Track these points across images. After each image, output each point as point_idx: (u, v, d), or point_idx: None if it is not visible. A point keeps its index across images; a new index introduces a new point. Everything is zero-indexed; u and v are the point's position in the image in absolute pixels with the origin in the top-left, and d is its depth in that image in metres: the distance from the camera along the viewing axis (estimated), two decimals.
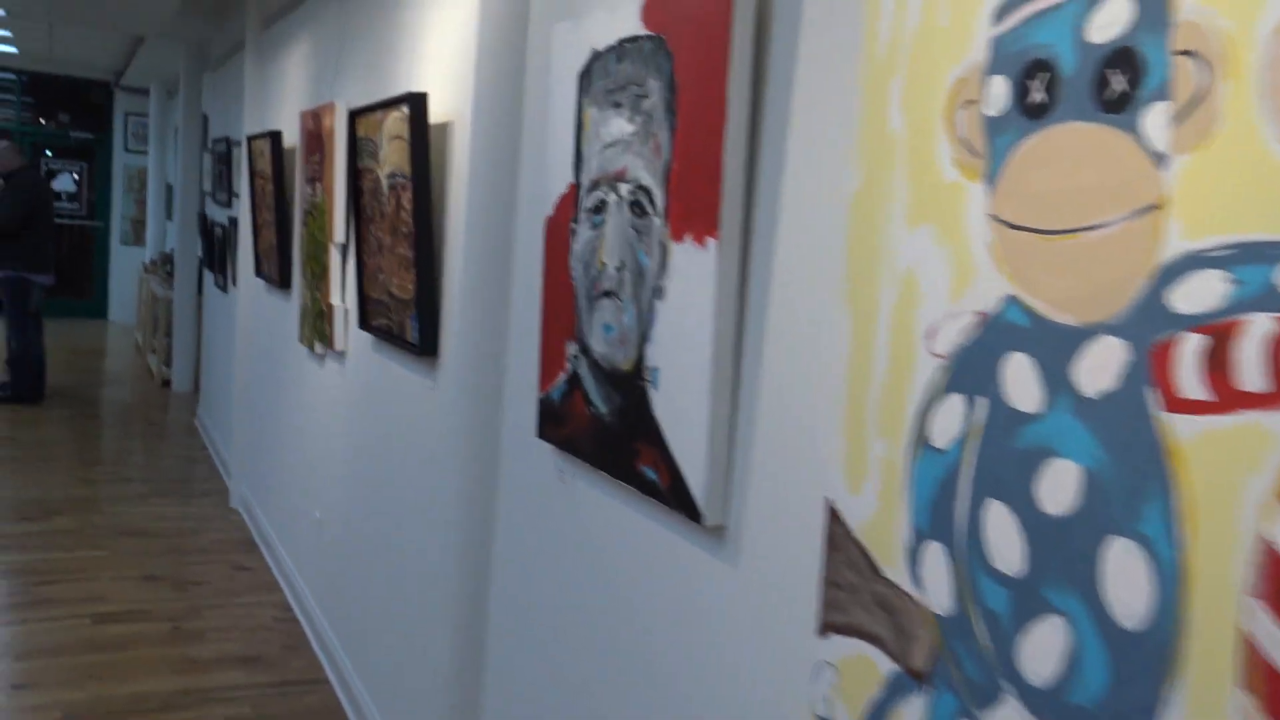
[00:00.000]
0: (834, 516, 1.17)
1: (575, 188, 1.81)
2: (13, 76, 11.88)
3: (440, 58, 2.70)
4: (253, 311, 5.23)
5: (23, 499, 5.26)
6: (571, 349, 1.82)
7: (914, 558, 1.05)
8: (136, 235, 12.17)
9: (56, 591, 4.12)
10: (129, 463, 6.30)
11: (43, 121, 12.41)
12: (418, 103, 2.56)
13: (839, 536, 1.16)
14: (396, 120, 2.70)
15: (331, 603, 3.65)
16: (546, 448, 1.99)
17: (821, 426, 1.26)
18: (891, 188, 1.10)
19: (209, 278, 7.14)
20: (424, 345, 2.64)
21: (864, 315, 1.13)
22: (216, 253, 6.45)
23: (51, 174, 11.91)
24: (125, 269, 12.04)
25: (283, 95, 4.57)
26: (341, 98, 3.48)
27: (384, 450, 3.07)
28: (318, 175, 3.65)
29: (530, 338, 2.08)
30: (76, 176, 12.19)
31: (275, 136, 4.30)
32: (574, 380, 1.81)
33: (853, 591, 1.14)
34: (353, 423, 3.43)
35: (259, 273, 4.87)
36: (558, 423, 1.89)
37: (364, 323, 3.14)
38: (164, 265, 9.73)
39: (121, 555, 4.58)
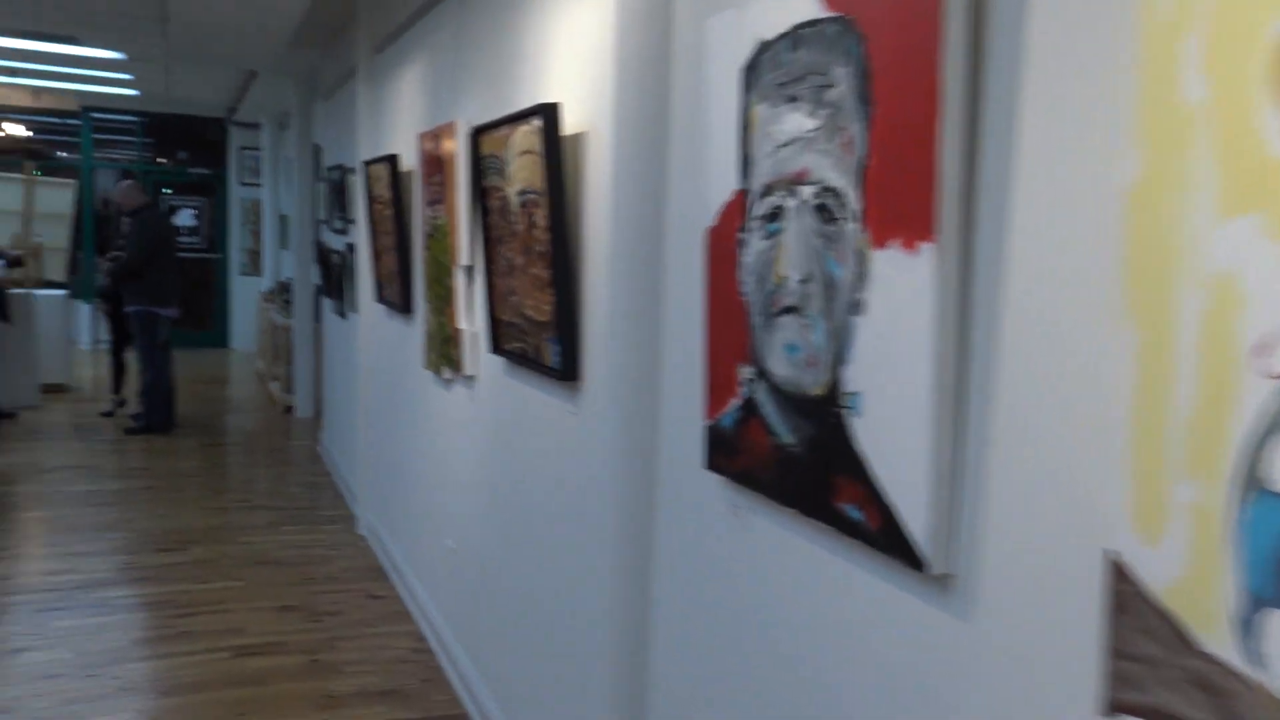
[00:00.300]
0: (1119, 573, 0.97)
1: (743, 194, 1.64)
2: (134, 119, 12.34)
3: (570, 66, 2.57)
4: (374, 337, 5.21)
5: (160, 530, 5.34)
6: (745, 372, 1.64)
7: (1248, 629, 0.85)
8: (253, 265, 12.49)
9: (196, 623, 4.13)
10: (257, 490, 6.37)
11: (160, 160, 12.86)
12: (551, 114, 2.43)
13: (1128, 597, 0.96)
14: (526, 134, 2.58)
15: (470, 637, 3.55)
16: (715, 480, 1.82)
17: (1084, 461, 1.06)
18: (1191, 172, 0.89)
19: (327, 305, 7.21)
20: (565, 369, 2.50)
21: (1155, 328, 0.93)
22: (334, 280, 6.49)
23: (172, 210, 12.32)
24: (244, 299, 12.37)
25: (397, 118, 4.53)
26: (462, 116, 3.39)
27: (523, 478, 2.95)
28: (439, 197, 3.57)
29: (690, 360, 1.91)
30: (196, 211, 12.58)
31: (392, 160, 4.25)
32: (749, 406, 1.64)
33: (1153, 666, 0.93)
34: (486, 450, 3.32)
35: (380, 298, 4.84)
36: (730, 453, 1.72)
37: (496, 347, 3.03)
38: (281, 294, 9.93)
39: (256, 585, 4.58)
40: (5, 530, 5.24)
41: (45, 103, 11.60)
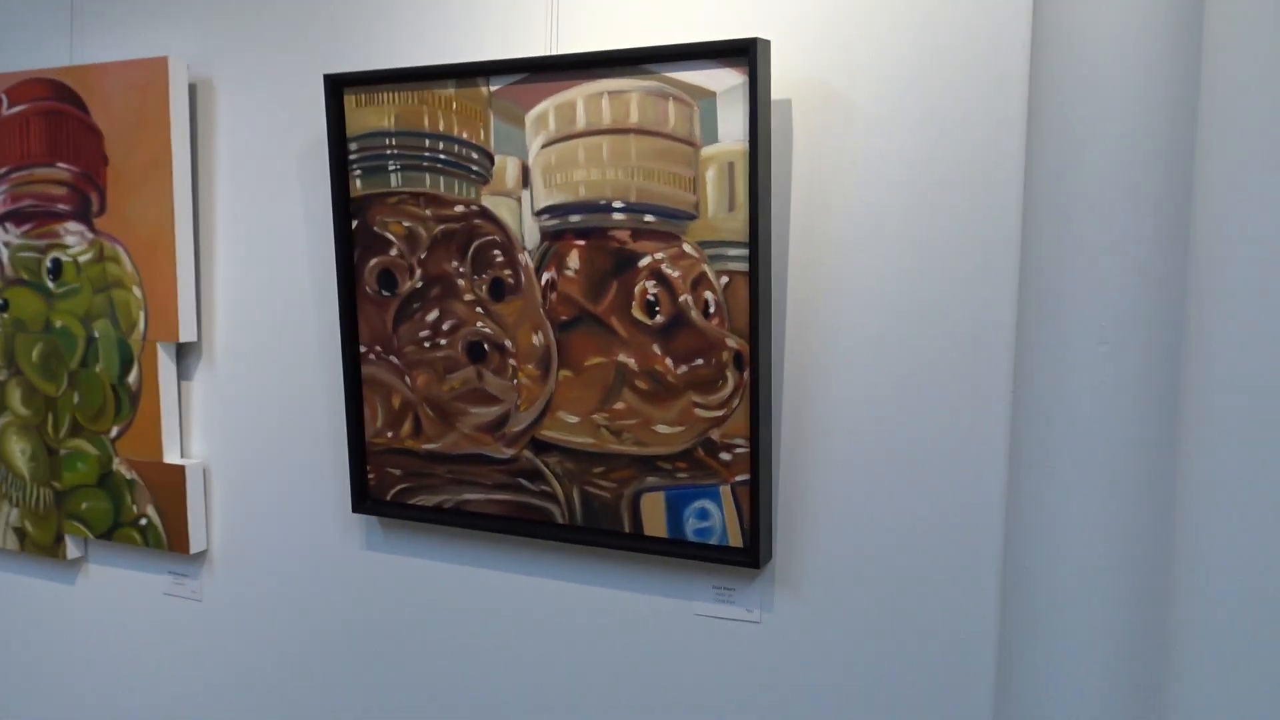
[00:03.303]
0: None
1: None
2: None
3: None
4: None
5: None
6: None
7: None
8: None
9: None
10: None
11: None
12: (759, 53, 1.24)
13: None
14: (628, 100, 1.31)
15: None
16: None
17: None
18: None
19: None
20: (750, 550, 1.32)
21: None
22: None
23: None
24: None
25: None
26: (176, 50, 1.73)
27: None
28: (64, 208, 1.80)
29: None
30: None
31: None
32: None
33: None
34: (262, 703, 1.74)
35: None
36: None
37: (370, 495, 1.57)
38: None
39: None
40: None
41: None
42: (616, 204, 1.35)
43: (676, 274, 1.33)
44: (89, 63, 1.80)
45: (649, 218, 1.34)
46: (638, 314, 1.36)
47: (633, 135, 1.33)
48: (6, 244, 1.88)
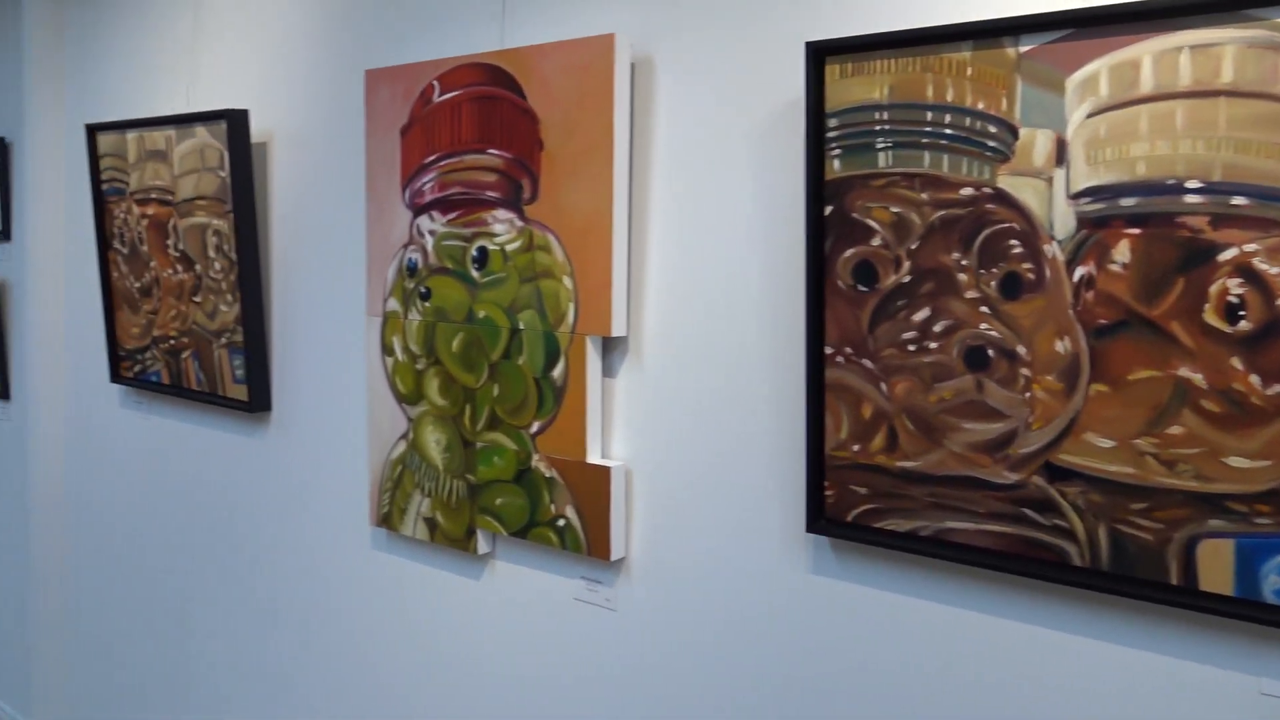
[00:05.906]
0: None
1: None
2: None
3: None
4: (99, 446, 2.90)
5: None
6: None
7: None
8: None
9: None
10: None
11: None
12: None
13: None
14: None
15: None
16: None
17: None
18: None
19: None
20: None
21: None
22: None
23: None
24: None
25: (215, 48, 2.43)
26: (624, 28, 1.64)
27: None
28: (492, 195, 1.76)
29: None
30: None
31: (235, 120, 2.20)
32: None
33: None
34: None
35: (122, 376, 2.64)
36: None
37: (827, 517, 1.40)
38: None
39: None
40: None
41: None
42: (1191, 184, 1.10)
43: (1276, 270, 1.07)
44: (519, 45, 1.74)
45: (1238, 200, 1.08)
46: (1211, 319, 1.11)
47: (1223, 99, 1.08)
48: (432, 232, 1.87)
